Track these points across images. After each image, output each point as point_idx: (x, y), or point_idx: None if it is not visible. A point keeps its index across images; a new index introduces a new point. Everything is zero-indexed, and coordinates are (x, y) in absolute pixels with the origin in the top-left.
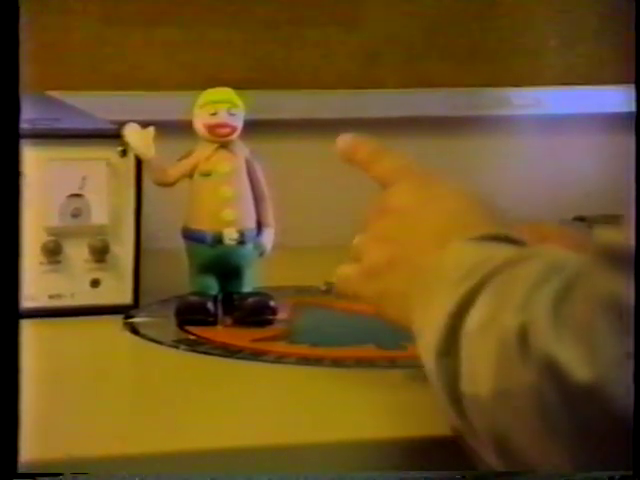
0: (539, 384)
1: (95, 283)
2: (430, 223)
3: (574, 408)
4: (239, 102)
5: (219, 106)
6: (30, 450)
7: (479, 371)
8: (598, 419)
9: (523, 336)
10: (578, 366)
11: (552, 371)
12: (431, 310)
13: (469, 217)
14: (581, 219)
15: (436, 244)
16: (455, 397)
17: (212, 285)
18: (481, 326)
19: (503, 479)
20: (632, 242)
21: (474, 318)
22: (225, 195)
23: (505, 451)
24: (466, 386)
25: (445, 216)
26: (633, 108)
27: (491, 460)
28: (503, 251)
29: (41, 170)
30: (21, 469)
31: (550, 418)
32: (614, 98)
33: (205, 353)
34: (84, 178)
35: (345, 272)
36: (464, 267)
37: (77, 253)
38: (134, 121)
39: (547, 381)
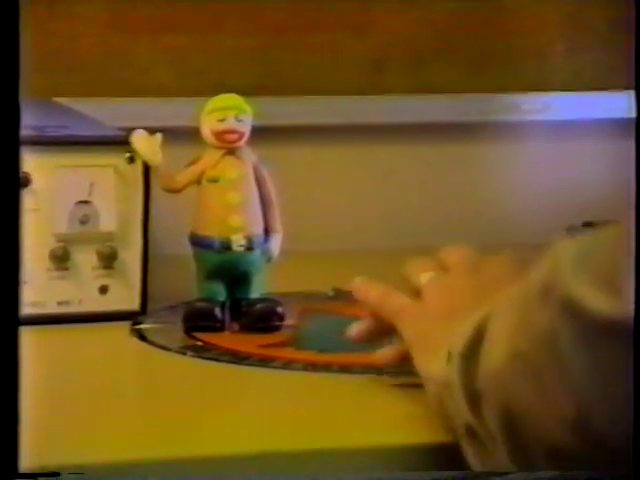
0: (556, 327)
1: (103, 289)
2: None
3: (591, 346)
4: (247, 108)
5: (227, 112)
6: (36, 456)
7: (495, 343)
8: (615, 357)
9: (544, 284)
10: (597, 300)
11: (571, 309)
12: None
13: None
14: (589, 224)
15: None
16: (471, 393)
17: (220, 291)
18: (504, 302)
19: (504, 479)
20: None
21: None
22: (233, 201)
23: (514, 434)
24: (482, 369)
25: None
26: (633, 114)
27: (500, 454)
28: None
29: (49, 177)
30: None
31: (563, 363)
32: (623, 103)
33: (212, 359)
34: (92, 185)
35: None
36: None
37: (85, 260)
38: (141, 128)
39: (565, 321)
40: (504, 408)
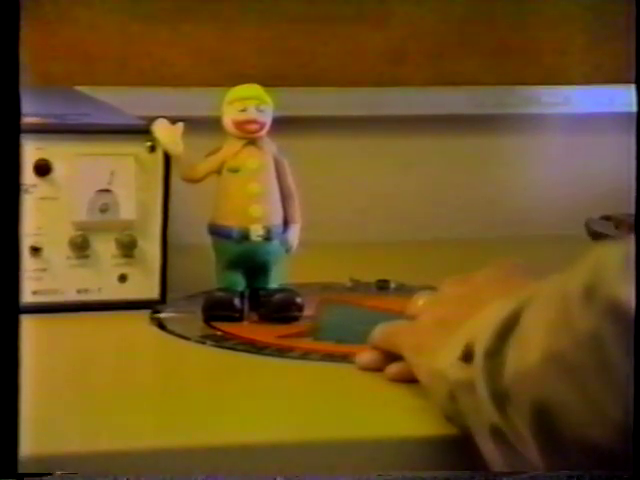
0: (600, 328)
1: (122, 278)
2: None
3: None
4: (268, 99)
5: (248, 102)
6: (56, 443)
7: (529, 341)
8: None
9: (588, 286)
10: None
11: (616, 310)
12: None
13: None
14: (607, 218)
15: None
16: (498, 392)
17: (239, 281)
18: (538, 304)
19: (507, 479)
20: None
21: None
22: (252, 191)
23: (548, 433)
24: (512, 367)
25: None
26: (634, 108)
27: (531, 453)
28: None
29: (70, 165)
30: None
31: (607, 363)
32: (635, 97)
33: (231, 349)
34: (112, 173)
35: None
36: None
37: (105, 248)
38: (162, 117)
39: (610, 322)
40: (537, 406)
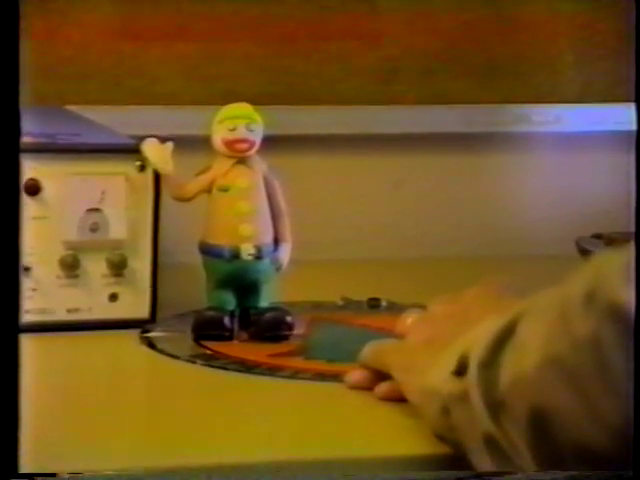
0: (600, 333)
1: (113, 297)
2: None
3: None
4: (258, 118)
5: (238, 121)
6: (41, 463)
7: (527, 349)
8: None
9: (588, 291)
10: None
11: (616, 314)
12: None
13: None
14: (598, 236)
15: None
16: (492, 402)
17: (229, 300)
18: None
19: (503, 479)
20: None
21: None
22: (242, 210)
23: (544, 440)
24: (508, 376)
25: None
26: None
27: (525, 461)
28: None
29: (60, 184)
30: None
31: (606, 367)
32: (633, 116)
33: (221, 368)
34: (103, 192)
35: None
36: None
37: (95, 267)
38: (152, 136)
39: (610, 327)
40: (534, 413)
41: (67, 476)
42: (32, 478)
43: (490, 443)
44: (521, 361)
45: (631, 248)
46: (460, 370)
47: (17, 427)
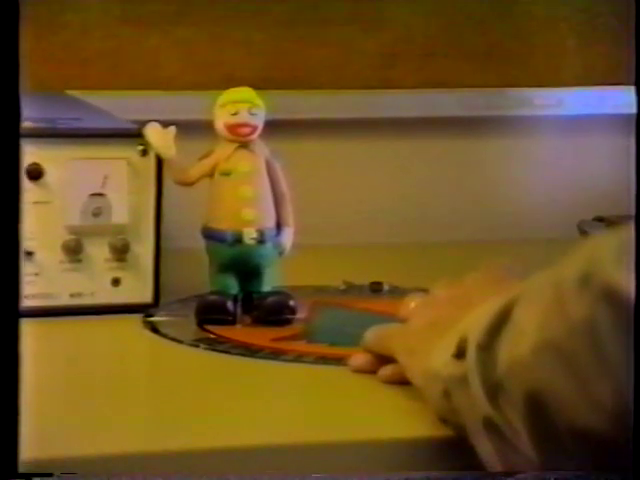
0: (596, 315)
1: (116, 282)
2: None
3: (631, 333)
4: (260, 102)
5: (240, 106)
6: (43, 448)
7: (523, 332)
8: None
9: (583, 274)
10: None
11: (612, 296)
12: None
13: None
14: (600, 219)
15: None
16: (490, 385)
17: (232, 284)
18: (532, 294)
19: (504, 479)
20: None
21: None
22: (245, 195)
23: (541, 422)
24: (505, 359)
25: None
26: (626, 110)
27: (524, 444)
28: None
29: (62, 169)
30: (34, 465)
31: (602, 350)
32: (634, 99)
33: (225, 352)
34: (105, 177)
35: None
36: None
37: (98, 252)
38: (154, 120)
39: (605, 309)
40: (531, 396)
41: (65, 477)
42: (30, 479)
43: (489, 426)
44: (517, 344)
45: (629, 230)
46: (460, 353)
47: (17, 427)
